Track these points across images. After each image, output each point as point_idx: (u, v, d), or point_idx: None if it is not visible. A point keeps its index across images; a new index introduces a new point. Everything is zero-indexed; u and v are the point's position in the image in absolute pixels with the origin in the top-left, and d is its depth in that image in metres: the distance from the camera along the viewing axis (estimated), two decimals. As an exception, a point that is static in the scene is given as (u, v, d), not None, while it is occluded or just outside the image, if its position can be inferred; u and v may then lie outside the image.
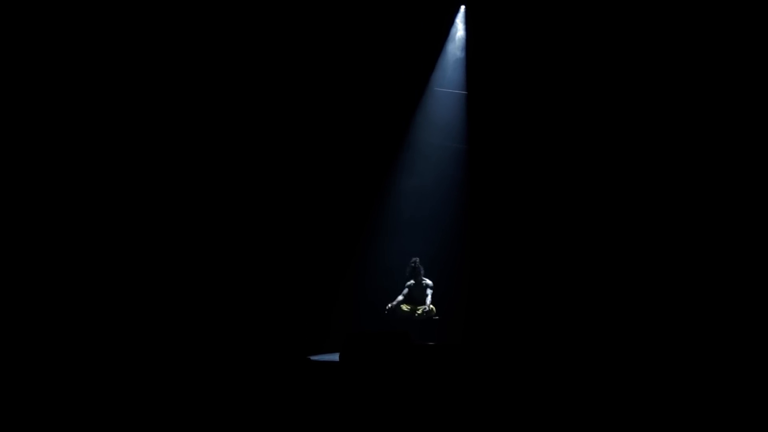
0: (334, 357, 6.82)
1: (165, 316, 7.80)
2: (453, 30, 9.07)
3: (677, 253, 8.05)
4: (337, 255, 8.94)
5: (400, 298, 8.34)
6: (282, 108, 8.63)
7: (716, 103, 7.95)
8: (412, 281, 8.43)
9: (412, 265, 8.43)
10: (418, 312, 8.25)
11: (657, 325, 7.92)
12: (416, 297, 8.38)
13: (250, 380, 6.68)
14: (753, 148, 7.81)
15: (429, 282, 8.43)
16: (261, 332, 8.25)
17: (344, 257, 9.01)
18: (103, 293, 7.60)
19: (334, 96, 8.83)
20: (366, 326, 8.53)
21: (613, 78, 8.44)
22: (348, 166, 8.96)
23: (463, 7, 8.98)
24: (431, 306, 8.22)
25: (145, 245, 7.91)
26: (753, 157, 7.82)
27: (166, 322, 7.77)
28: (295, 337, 8.32)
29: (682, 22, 8.07)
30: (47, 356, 7.10)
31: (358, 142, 8.98)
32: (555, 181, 8.76)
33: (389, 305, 8.25)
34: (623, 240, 8.37)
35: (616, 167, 8.47)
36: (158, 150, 8.04)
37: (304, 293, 8.66)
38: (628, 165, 8.40)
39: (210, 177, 8.28)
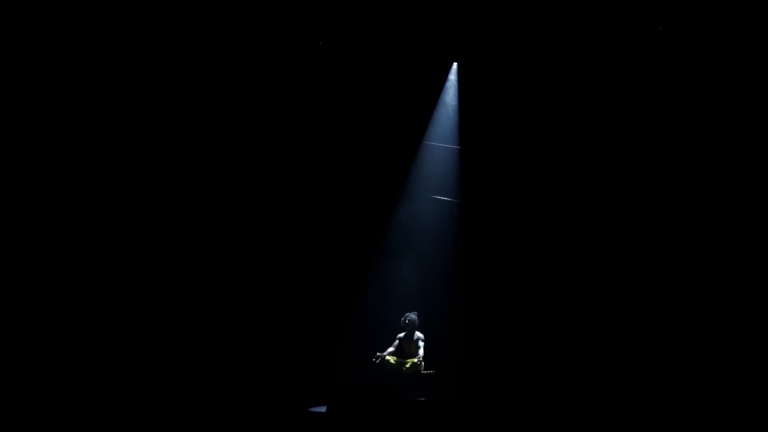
0: None
1: (169, 361, 7.83)
2: (446, 85, 9.21)
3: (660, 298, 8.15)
4: (337, 298, 8.97)
5: (390, 349, 8.19)
6: (275, 163, 8.80)
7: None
8: (402, 333, 8.27)
9: (406, 321, 8.24)
10: (407, 366, 8.06)
11: (648, 377, 7.89)
12: (406, 350, 8.22)
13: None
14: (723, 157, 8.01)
15: (420, 335, 8.26)
16: (266, 378, 8.24)
17: (343, 302, 9.02)
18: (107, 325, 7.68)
19: (331, 150, 9.00)
20: (365, 369, 8.36)
21: (602, 131, 8.62)
22: (348, 210, 9.10)
23: (455, 64, 9.14)
24: (421, 360, 8.06)
25: (151, 290, 8.01)
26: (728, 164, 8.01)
27: (171, 368, 7.79)
28: (301, 383, 8.31)
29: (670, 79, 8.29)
30: (46, 358, 7.18)
31: (354, 192, 9.10)
32: (548, 234, 8.83)
33: (378, 354, 8.09)
34: (617, 291, 8.40)
35: (607, 220, 8.56)
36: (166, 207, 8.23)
37: (308, 337, 8.69)
38: (621, 214, 8.50)
39: (211, 219, 8.44)
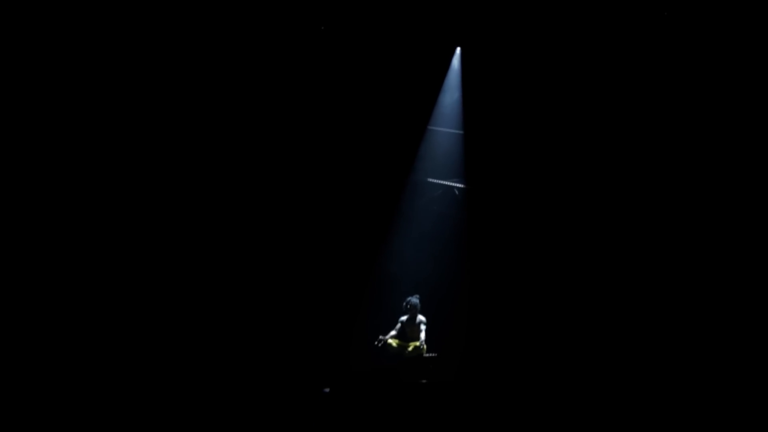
0: None
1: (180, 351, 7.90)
2: (450, 71, 9.23)
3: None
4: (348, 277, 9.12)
5: (393, 333, 8.27)
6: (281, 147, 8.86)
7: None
8: (405, 317, 8.34)
9: (408, 305, 8.30)
10: (409, 349, 8.15)
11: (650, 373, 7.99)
12: (408, 333, 8.30)
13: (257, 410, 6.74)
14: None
15: (423, 318, 8.33)
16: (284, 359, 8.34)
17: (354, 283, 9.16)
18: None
19: (336, 136, 9.06)
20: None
21: (607, 121, 8.64)
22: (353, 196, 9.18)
23: (459, 49, 9.15)
24: (423, 343, 8.15)
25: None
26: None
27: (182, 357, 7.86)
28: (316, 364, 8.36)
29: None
30: (48, 357, 7.20)
31: (359, 178, 9.17)
32: (552, 221, 8.89)
33: (381, 338, 8.19)
34: (618, 280, 8.46)
35: (613, 209, 8.61)
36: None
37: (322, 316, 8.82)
38: (626, 203, 8.56)
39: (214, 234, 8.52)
